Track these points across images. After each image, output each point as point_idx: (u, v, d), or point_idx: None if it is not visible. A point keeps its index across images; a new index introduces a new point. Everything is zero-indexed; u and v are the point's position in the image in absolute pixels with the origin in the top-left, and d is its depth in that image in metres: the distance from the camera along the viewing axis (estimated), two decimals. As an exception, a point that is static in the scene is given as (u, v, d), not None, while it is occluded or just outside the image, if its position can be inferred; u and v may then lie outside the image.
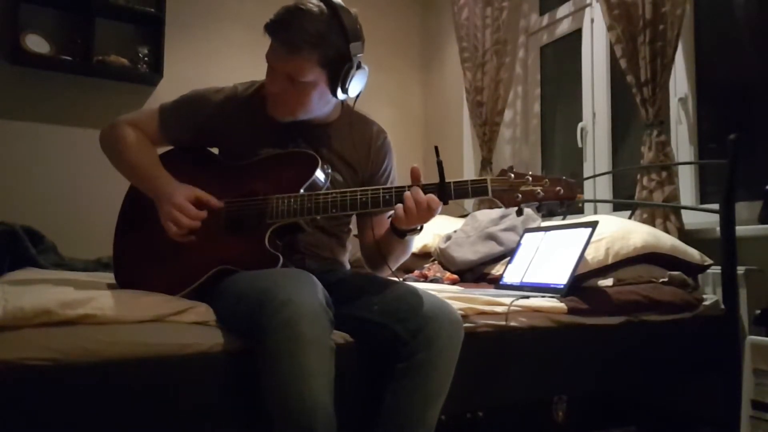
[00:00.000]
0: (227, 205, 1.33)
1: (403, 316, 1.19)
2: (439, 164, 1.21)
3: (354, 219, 1.54)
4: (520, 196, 1.19)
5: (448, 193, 1.20)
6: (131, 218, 1.43)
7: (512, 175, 1.20)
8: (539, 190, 1.19)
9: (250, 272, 1.22)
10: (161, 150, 1.45)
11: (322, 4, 1.28)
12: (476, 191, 1.21)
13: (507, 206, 1.20)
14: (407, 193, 1.19)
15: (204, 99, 1.43)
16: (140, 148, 1.39)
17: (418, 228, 1.29)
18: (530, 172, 1.22)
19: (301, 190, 1.29)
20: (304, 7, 1.27)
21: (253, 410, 1.15)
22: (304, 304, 1.06)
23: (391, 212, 1.27)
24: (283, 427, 1.02)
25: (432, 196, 1.19)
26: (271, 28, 1.28)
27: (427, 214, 1.19)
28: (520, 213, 1.22)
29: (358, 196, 1.23)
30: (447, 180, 1.20)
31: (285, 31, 1.26)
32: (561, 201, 1.19)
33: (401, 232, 1.30)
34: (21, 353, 0.98)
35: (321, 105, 1.38)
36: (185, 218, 1.27)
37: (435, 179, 1.22)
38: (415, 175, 1.23)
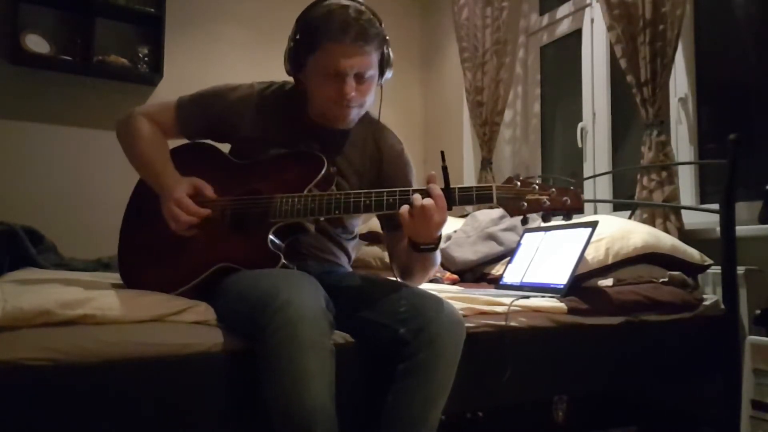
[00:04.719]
0: (232, 203, 1.33)
1: (404, 316, 1.18)
2: (444, 170, 1.19)
3: (355, 225, 1.53)
4: (525, 204, 1.16)
5: (453, 199, 1.18)
6: (137, 214, 1.44)
7: (518, 183, 1.17)
8: (545, 200, 1.16)
9: (252, 272, 1.22)
10: (173, 144, 1.46)
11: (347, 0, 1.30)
12: (481, 198, 1.19)
13: (512, 215, 1.17)
14: (416, 197, 1.16)
15: (220, 96, 1.44)
16: (152, 141, 1.40)
17: (434, 245, 1.24)
18: (537, 181, 1.18)
19: (305, 191, 1.28)
20: (349, 3, 1.29)
21: (253, 410, 1.15)
22: (303, 305, 1.06)
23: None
24: (282, 429, 1.02)
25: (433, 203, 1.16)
26: (340, 29, 1.25)
27: (435, 219, 1.15)
28: (525, 222, 1.20)
29: (362, 199, 1.22)
30: (452, 185, 1.19)
31: (355, 29, 1.26)
32: (567, 212, 1.16)
33: (416, 245, 1.24)
34: (21, 353, 0.98)
35: (373, 99, 1.40)
36: (183, 214, 1.27)
37: (438, 180, 1.21)
38: (429, 181, 1.20)
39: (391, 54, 1.37)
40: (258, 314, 1.07)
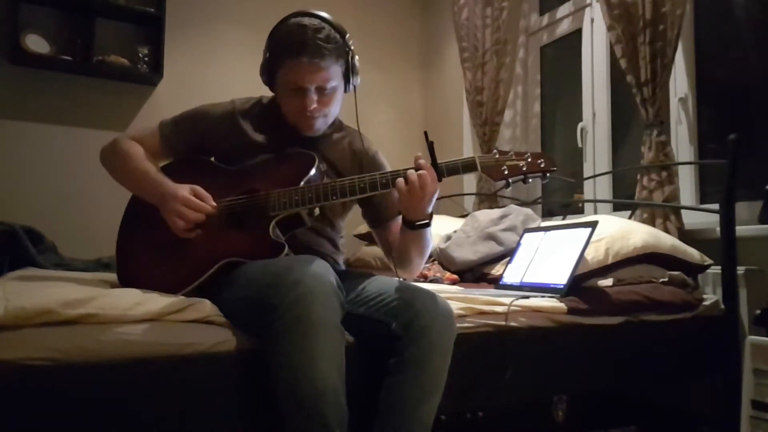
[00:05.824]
0: (230, 203, 1.36)
1: (396, 310, 1.20)
2: (430, 145, 1.28)
3: (342, 223, 1.57)
4: (506, 170, 1.30)
5: (441, 171, 1.28)
6: (136, 218, 1.45)
7: (497, 153, 1.31)
8: (523, 164, 1.31)
9: (260, 261, 1.24)
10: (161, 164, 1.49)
11: (309, 16, 1.38)
12: (466, 167, 1.30)
13: (496, 180, 1.31)
14: (410, 171, 1.26)
15: (203, 113, 1.49)
16: (143, 158, 1.44)
17: (427, 221, 1.34)
18: (512, 150, 1.34)
19: (301, 184, 1.33)
20: (308, 23, 1.36)
21: (255, 409, 1.15)
22: (315, 283, 1.08)
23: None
24: (291, 412, 1.02)
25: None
26: (297, 49, 1.33)
27: (429, 188, 1.26)
28: (507, 186, 1.33)
29: (356, 182, 1.29)
30: (438, 161, 1.29)
31: (312, 47, 1.33)
32: (543, 173, 1.31)
33: (411, 224, 1.34)
34: (21, 353, 0.98)
35: (339, 107, 1.47)
36: (191, 211, 1.30)
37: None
38: (416, 159, 1.30)
39: (356, 63, 1.43)
40: (268, 295, 1.08)
